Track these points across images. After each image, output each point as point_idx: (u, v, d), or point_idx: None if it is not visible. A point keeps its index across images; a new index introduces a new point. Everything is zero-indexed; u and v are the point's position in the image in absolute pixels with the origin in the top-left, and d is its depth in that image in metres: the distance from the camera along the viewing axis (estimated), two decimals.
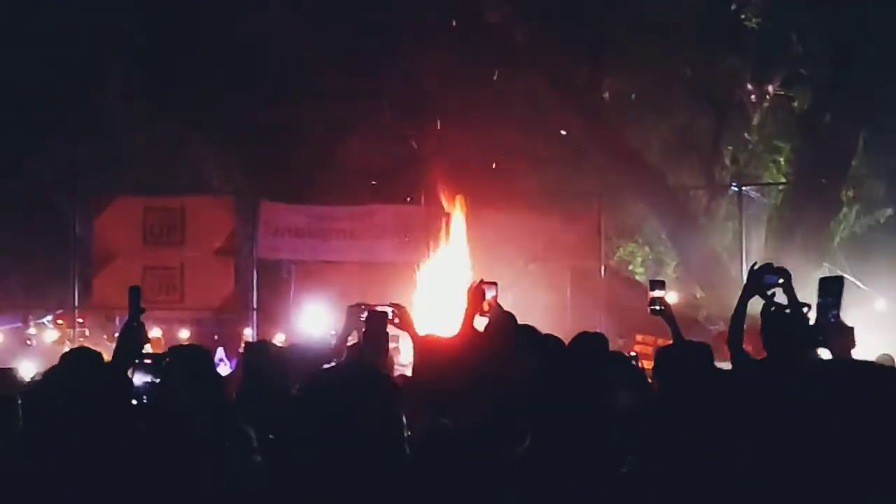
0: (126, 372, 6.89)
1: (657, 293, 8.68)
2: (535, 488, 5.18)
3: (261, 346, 8.99)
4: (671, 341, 8.63)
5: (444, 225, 21.69)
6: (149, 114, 24.63)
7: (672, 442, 5.62)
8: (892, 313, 19.23)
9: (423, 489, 5.29)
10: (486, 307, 8.22)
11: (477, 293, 8.08)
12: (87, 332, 22.24)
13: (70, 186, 23.57)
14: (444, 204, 21.89)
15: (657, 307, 8.67)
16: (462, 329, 7.84)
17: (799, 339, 7.29)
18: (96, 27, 24.37)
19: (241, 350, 19.43)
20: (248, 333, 21.80)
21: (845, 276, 21.11)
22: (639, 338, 17.33)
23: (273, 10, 24.45)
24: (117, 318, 21.20)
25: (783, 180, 24.44)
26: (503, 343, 7.98)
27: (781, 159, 24.85)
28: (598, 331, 8.72)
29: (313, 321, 16.44)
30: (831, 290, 7.64)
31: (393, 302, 8.75)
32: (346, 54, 24.24)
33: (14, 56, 23.43)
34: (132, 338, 7.00)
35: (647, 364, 11.39)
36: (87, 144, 24.48)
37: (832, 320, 7.48)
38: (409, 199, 22.48)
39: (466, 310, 7.92)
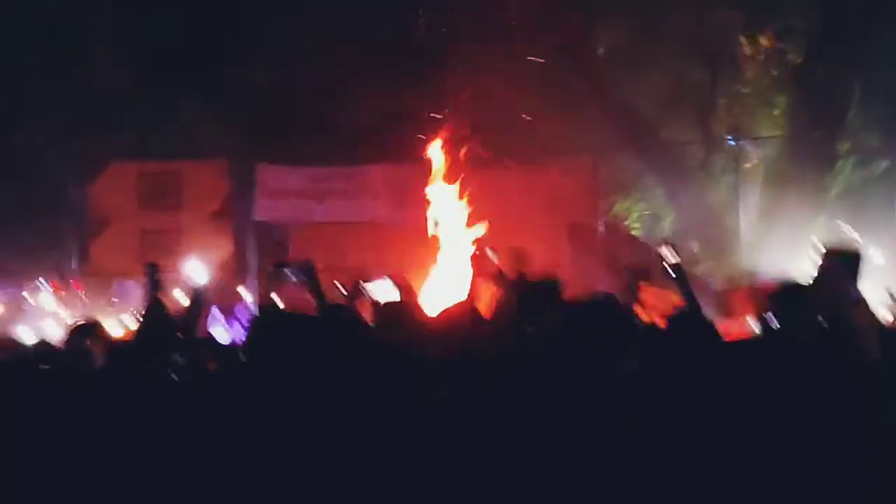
0: (145, 357, 6.84)
1: (667, 253, 8.54)
2: (538, 456, 5.17)
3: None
4: (679, 297, 8.57)
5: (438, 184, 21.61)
6: (141, 77, 24.49)
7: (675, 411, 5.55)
8: (888, 265, 19.21)
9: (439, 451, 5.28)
10: (491, 273, 8.18)
11: (482, 260, 8.03)
12: (84, 297, 22.23)
13: (64, 150, 23.47)
14: (439, 164, 21.81)
15: (670, 269, 8.53)
16: (469, 296, 7.83)
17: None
18: None
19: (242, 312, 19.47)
20: (245, 294, 21.78)
21: (841, 227, 21.25)
22: (644, 287, 17.20)
23: None
24: (115, 283, 21.18)
25: (778, 133, 24.37)
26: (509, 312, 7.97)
27: (776, 112, 24.79)
28: (604, 292, 8.59)
29: None
30: (848, 263, 7.50)
31: (393, 272, 8.66)
32: (339, 12, 24.10)
33: (5, 19, 23.27)
34: (154, 319, 6.95)
35: (653, 316, 11.30)
36: (79, 109, 24.34)
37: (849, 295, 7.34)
38: (403, 159, 22.33)
39: (473, 277, 7.88)
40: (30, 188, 24.12)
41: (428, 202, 21.02)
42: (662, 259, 8.51)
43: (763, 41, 24.87)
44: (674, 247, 8.54)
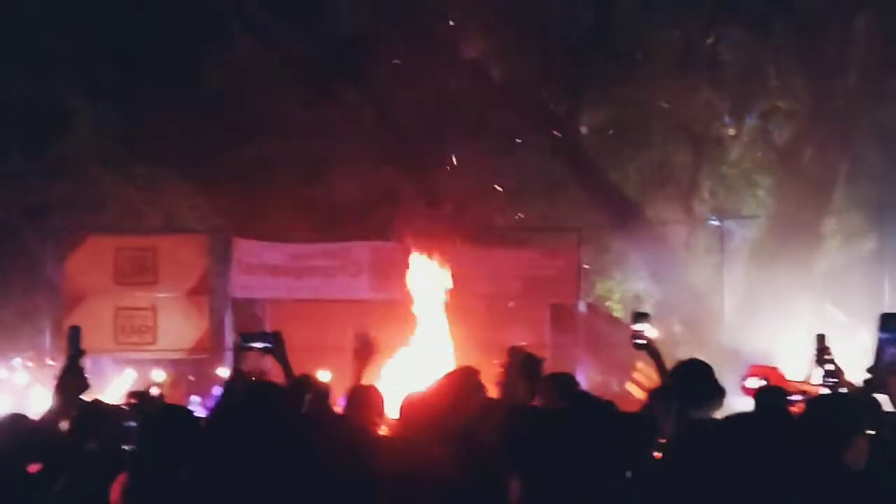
0: (49, 430, 6.56)
1: (640, 326, 8.21)
2: None
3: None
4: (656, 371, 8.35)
5: (419, 262, 21.40)
6: (121, 154, 24.36)
7: None
8: (874, 345, 18.95)
9: None
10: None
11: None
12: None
13: (42, 227, 23.25)
14: (421, 241, 21.63)
15: (640, 341, 8.21)
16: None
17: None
18: (68, 67, 24.14)
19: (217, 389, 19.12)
20: (223, 373, 21.46)
21: (826, 307, 21.06)
22: (639, 365, 16.92)
23: (245, 49, 24.27)
24: (89, 360, 20.83)
25: (762, 213, 24.26)
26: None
27: (761, 192, 24.71)
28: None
29: None
30: (892, 327, 7.06)
31: (274, 330, 8.47)
32: (320, 91, 24.08)
33: None
34: (67, 387, 6.65)
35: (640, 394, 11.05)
36: (59, 185, 24.17)
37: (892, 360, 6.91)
38: (384, 237, 22.22)
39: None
40: (6, 263, 23.90)
41: (408, 281, 20.85)
42: (635, 334, 8.21)
43: (748, 122, 24.83)
44: (646, 320, 8.23)
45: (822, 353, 8.12)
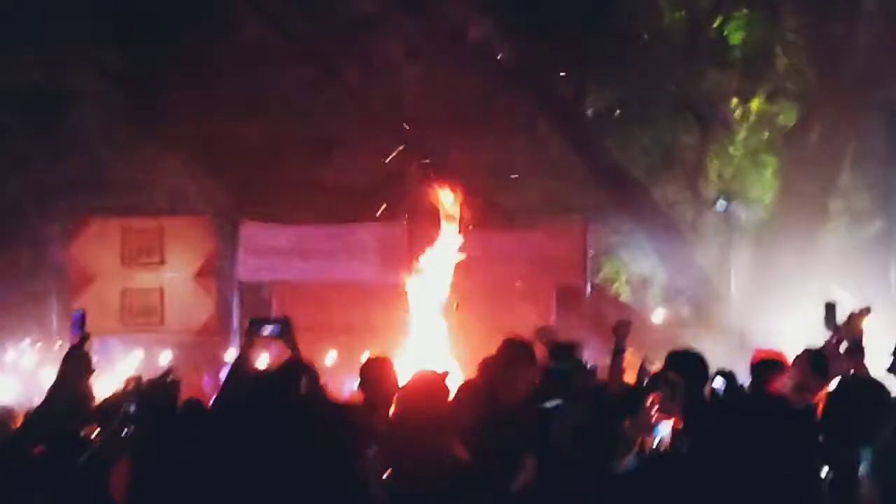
0: (50, 413, 6.57)
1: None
2: None
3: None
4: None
5: (426, 244, 21.37)
6: (127, 135, 24.32)
7: None
8: (882, 325, 18.89)
9: None
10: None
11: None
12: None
13: (48, 209, 23.27)
14: (427, 222, 21.59)
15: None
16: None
17: None
18: (74, 48, 24.12)
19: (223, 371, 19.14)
20: (230, 355, 21.48)
21: (835, 287, 21.02)
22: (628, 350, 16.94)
23: (252, 30, 24.23)
24: (96, 342, 20.86)
25: (769, 195, 24.18)
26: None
27: (767, 174, 24.63)
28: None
29: None
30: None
31: (283, 316, 8.55)
32: (327, 72, 24.05)
33: None
34: (70, 369, 6.66)
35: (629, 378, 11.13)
36: (65, 166, 24.17)
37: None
38: (389, 219, 22.24)
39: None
40: (13, 245, 23.91)
41: (414, 262, 20.81)
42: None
43: (754, 103, 24.74)
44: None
45: (830, 318, 8.28)
